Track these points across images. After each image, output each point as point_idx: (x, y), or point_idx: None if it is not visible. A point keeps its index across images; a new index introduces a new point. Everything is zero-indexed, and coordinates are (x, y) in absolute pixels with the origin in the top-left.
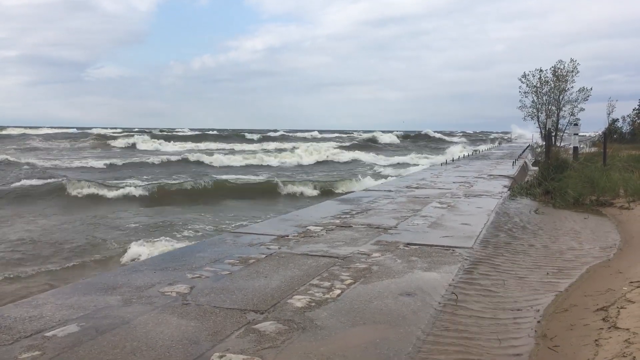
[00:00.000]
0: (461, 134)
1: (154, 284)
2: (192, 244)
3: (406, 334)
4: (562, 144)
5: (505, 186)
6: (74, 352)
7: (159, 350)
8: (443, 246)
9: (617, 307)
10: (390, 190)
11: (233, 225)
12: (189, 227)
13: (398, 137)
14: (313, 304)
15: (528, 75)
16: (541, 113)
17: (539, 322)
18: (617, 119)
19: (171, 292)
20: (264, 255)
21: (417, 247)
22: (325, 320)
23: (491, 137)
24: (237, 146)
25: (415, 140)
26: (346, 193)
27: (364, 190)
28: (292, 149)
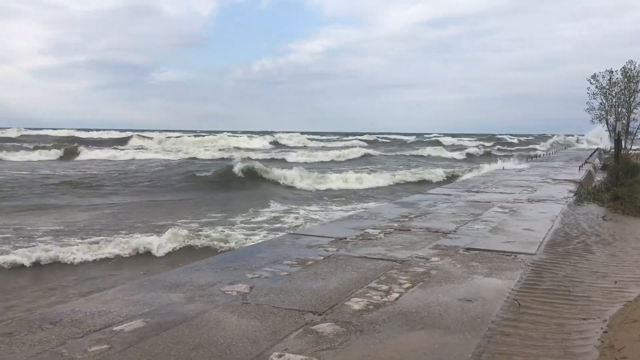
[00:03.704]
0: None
1: (215, 283)
2: (252, 244)
3: (466, 340)
4: (632, 148)
5: (570, 191)
6: (139, 347)
7: (220, 347)
8: (504, 252)
9: None
10: (449, 194)
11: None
12: None
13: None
14: (371, 306)
15: (597, 76)
16: (610, 115)
17: (605, 332)
18: None
19: (232, 291)
20: (322, 257)
21: (477, 252)
22: (383, 324)
23: (550, 141)
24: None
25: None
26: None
27: (421, 193)
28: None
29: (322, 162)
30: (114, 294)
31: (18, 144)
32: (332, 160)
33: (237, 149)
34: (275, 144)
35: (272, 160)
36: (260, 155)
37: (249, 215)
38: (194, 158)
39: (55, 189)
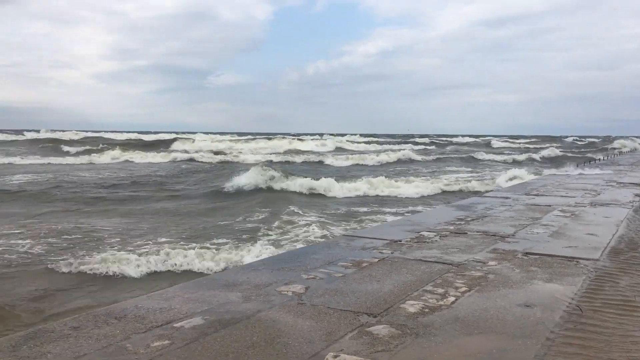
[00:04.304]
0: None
1: (271, 283)
2: (307, 246)
3: (525, 346)
4: None
5: (636, 195)
6: (199, 343)
7: (276, 346)
8: (566, 257)
9: None
10: (507, 197)
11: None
12: None
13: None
14: (426, 310)
15: None
16: None
17: None
18: None
19: (287, 291)
20: (376, 260)
21: (536, 256)
22: (439, 327)
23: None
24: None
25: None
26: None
27: (478, 196)
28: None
29: (375, 165)
30: (175, 292)
31: (80, 147)
32: (397, 161)
33: (298, 151)
34: (330, 147)
35: (325, 164)
36: (315, 158)
37: (293, 216)
38: (249, 164)
39: (117, 191)
